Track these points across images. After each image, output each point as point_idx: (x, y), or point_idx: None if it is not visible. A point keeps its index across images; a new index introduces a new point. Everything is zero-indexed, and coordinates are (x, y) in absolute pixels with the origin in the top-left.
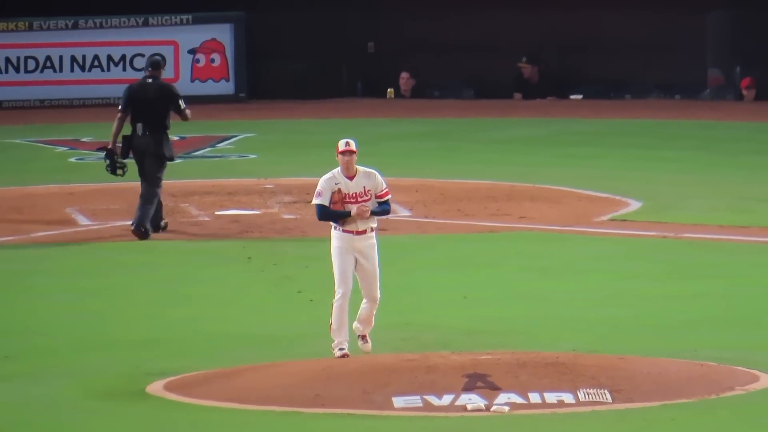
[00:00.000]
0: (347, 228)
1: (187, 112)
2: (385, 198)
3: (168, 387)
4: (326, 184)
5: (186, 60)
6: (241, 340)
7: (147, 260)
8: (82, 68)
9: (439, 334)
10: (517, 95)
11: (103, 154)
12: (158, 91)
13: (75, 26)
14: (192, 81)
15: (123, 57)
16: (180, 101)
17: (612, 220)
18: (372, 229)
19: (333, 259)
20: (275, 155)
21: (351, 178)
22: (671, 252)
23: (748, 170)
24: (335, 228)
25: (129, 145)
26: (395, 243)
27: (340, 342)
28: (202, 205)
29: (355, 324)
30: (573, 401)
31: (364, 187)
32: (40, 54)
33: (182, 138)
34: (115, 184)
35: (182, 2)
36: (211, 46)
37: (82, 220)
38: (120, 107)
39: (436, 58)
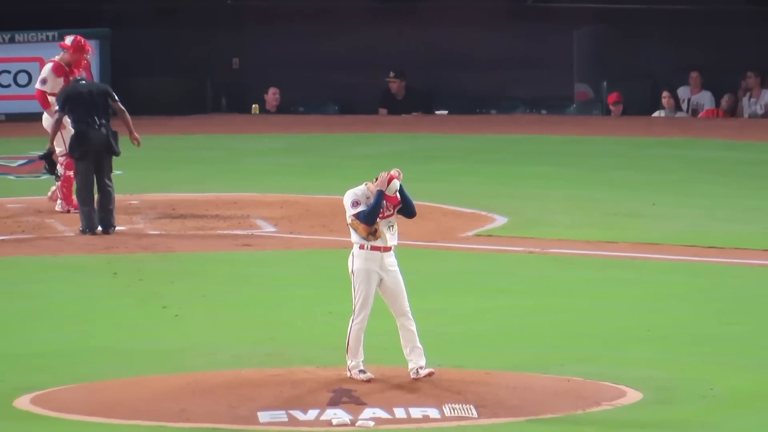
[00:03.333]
0: (376, 245)
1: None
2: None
3: (35, 401)
4: (361, 193)
5: None
6: (106, 354)
7: (11, 275)
8: None
9: (305, 350)
10: (383, 111)
11: (42, 153)
12: (95, 87)
13: None
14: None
15: None
16: (114, 95)
17: (477, 235)
18: (394, 247)
19: (357, 281)
20: (140, 171)
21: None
22: (537, 267)
23: (615, 186)
24: (361, 247)
25: (84, 140)
26: (260, 259)
27: (357, 363)
28: (67, 221)
29: (410, 366)
30: (438, 416)
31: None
32: None
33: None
34: None
35: (48, 19)
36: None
37: None
38: (57, 109)
39: (302, 74)
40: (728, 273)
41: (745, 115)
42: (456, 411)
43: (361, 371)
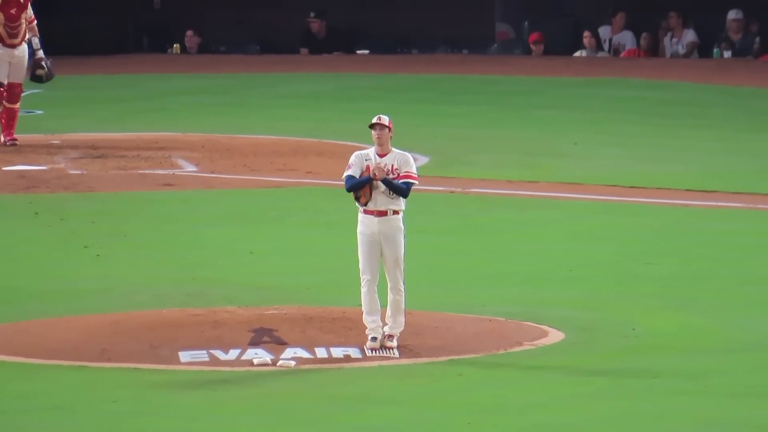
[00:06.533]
0: (368, 208)
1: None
2: (408, 179)
3: None
4: (357, 158)
5: None
6: (28, 295)
7: None
8: None
9: (226, 290)
10: (304, 50)
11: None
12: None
13: None
14: None
15: None
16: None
17: None
18: (395, 212)
19: (358, 244)
20: (62, 111)
21: (382, 156)
22: (458, 207)
23: (537, 125)
24: (360, 211)
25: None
26: (181, 198)
27: (372, 329)
28: None
29: (384, 325)
30: (360, 356)
31: (392, 166)
32: None
33: None
34: None
35: None
36: None
37: None
38: None
39: (222, 13)
40: (650, 213)
41: (667, 55)
42: (377, 351)
43: (372, 338)
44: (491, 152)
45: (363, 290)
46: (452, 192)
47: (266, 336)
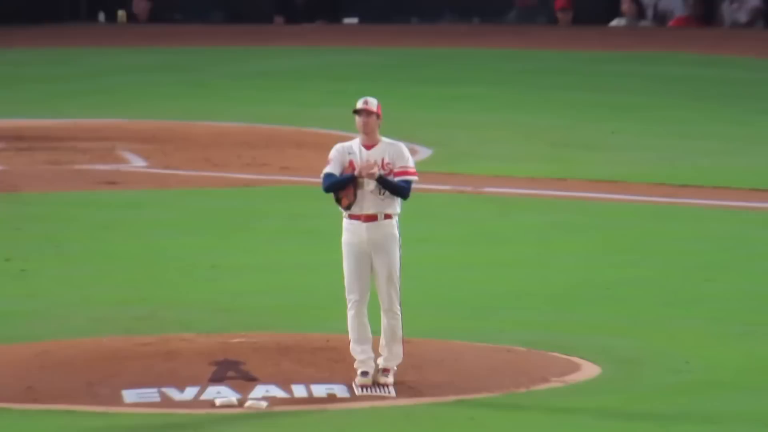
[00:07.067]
0: (354, 213)
1: None
2: (406, 177)
3: None
4: (338, 152)
5: None
6: None
7: None
8: None
9: (182, 313)
10: (279, 19)
11: None
12: None
13: None
14: None
15: None
16: None
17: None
18: (388, 216)
19: (344, 256)
20: None
21: (369, 147)
22: (469, 211)
23: (565, 110)
24: (344, 216)
25: None
26: (128, 201)
27: (362, 362)
28: None
29: (378, 356)
30: (347, 395)
31: (383, 160)
32: None
33: None
34: None
35: None
36: None
37: None
38: None
39: None
40: (706, 218)
41: (726, 24)
42: (369, 389)
43: (362, 373)
44: (509, 143)
45: (350, 313)
46: (461, 192)
47: (231, 370)
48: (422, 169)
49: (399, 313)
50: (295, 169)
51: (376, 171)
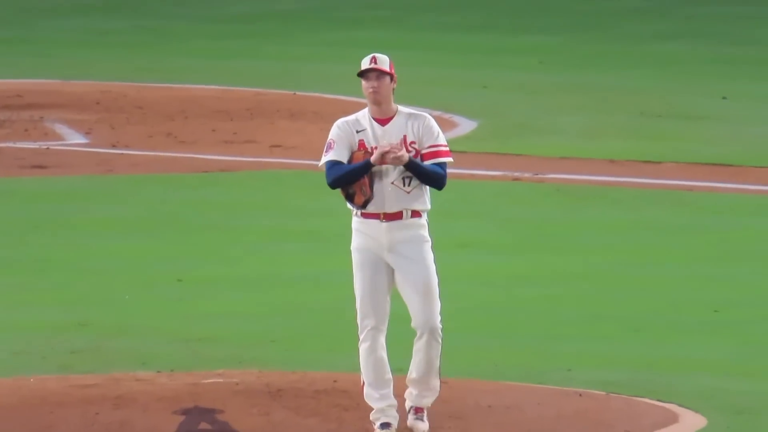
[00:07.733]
0: (370, 211)
1: None
2: (438, 159)
3: None
4: (342, 130)
5: None
6: None
7: None
8: None
9: (136, 343)
10: None
11: None
12: None
13: None
14: None
15: None
16: None
17: None
18: (416, 214)
19: (355, 267)
20: None
21: (384, 122)
22: (526, 204)
23: (658, 67)
24: (354, 214)
25: None
26: (61, 189)
27: (381, 410)
28: None
29: (407, 390)
30: None
31: (405, 137)
32: None
33: None
34: None
35: None
36: None
37: None
38: None
39: None
40: None
41: None
42: None
43: (382, 425)
44: (580, 113)
45: (363, 346)
46: (516, 179)
47: (204, 421)
48: (461, 148)
49: (440, 332)
50: (289, 148)
51: (404, 153)
